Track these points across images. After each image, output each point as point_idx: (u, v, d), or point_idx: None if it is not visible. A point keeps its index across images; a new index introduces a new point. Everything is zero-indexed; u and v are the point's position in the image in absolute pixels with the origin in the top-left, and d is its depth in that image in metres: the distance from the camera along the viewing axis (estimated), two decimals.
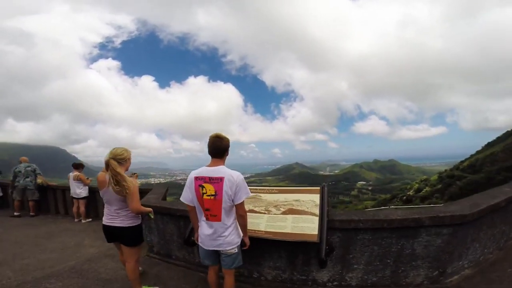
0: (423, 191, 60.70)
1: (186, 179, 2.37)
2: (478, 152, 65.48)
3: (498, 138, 66.09)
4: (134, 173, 4.33)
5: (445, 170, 64.60)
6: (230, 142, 2.35)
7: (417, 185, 66.38)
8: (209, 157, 2.31)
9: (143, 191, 5.16)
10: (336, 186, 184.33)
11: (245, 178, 2.24)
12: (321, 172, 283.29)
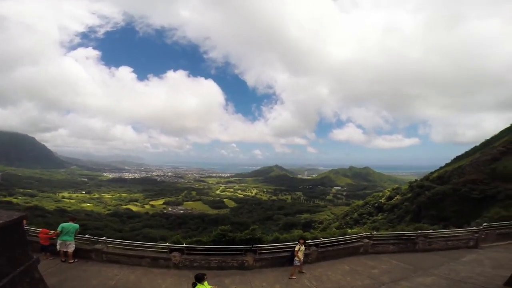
0: (394, 199, 63.42)
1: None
2: (447, 165, 69.38)
3: (466, 152, 70.80)
4: None
5: (416, 180, 67.71)
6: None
7: (389, 193, 69.32)
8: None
9: None
10: (313, 190, 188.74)
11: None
12: (299, 176, 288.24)
